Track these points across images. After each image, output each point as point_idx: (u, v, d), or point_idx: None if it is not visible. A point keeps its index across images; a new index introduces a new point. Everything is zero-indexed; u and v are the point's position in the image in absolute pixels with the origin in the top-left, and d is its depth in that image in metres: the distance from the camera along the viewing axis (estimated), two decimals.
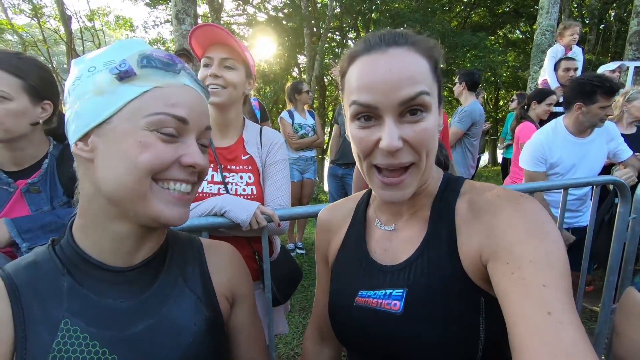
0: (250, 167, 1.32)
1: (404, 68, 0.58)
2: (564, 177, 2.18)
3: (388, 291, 0.66)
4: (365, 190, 0.87)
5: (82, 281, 0.58)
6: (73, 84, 0.56)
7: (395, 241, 0.72)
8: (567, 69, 3.65)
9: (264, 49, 11.99)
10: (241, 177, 1.30)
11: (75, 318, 0.56)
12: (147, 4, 13.10)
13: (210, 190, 1.29)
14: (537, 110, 3.20)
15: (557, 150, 2.16)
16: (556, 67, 3.79)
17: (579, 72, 3.80)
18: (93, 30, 13.73)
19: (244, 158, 1.32)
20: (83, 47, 13.68)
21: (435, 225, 0.67)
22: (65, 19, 12.01)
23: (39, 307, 0.55)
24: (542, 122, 3.81)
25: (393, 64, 0.58)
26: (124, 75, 0.53)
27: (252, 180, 1.31)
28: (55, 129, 1.19)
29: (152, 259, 0.64)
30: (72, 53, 11.34)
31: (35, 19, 12.58)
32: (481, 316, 0.60)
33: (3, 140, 1.04)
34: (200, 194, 1.27)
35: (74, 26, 12.79)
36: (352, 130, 0.64)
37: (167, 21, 13.61)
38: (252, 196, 1.30)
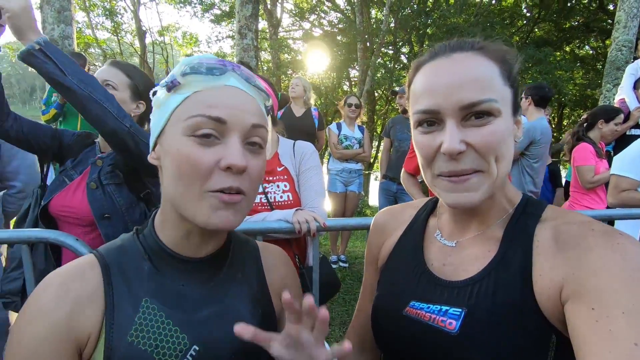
0: (285, 177, 1.51)
1: (469, 71, 0.57)
2: None
3: (444, 308, 0.63)
4: (430, 198, 0.84)
5: (160, 266, 0.64)
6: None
7: (457, 257, 0.68)
8: None
9: (317, 62, 12.28)
10: (278, 186, 1.50)
11: (153, 298, 0.62)
12: (211, 20, 14.07)
13: None
14: (604, 129, 2.87)
15: None
16: (636, 85, 3.45)
17: None
18: (163, 45, 15.00)
19: (279, 169, 1.52)
20: (154, 60, 14.98)
21: (508, 247, 0.62)
22: (141, 34, 13.28)
23: (125, 285, 0.61)
24: (617, 144, 3.47)
25: (456, 67, 0.58)
26: (171, 86, 0.58)
27: (287, 188, 1.50)
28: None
29: (216, 253, 0.69)
30: (144, 65, 12.47)
31: (115, 34, 14.05)
32: (549, 356, 0.54)
33: None
34: None
35: (147, 40, 14.09)
36: (415, 137, 0.63)
37: (228, 36, 14.49)
38: (290, 202, 1.49)
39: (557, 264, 0.55)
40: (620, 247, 0.51)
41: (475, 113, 0.57)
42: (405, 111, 3.88)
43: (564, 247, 0.56)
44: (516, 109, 0.62)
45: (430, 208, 0.80)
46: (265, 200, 1.45)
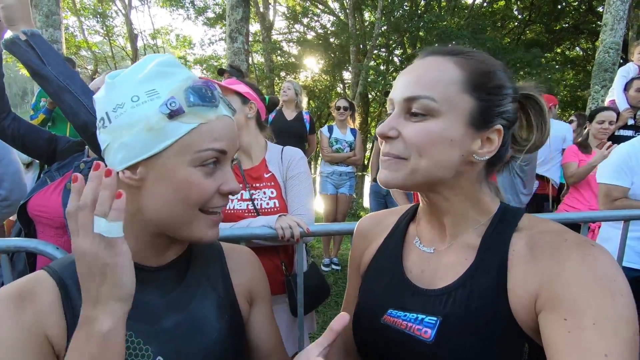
0: (272, 183, 1.48)
1: (424, 71, 0.61)
2: None
3: (420, 316, 0.63)
4: (412, 205, 0.84)
5: None
6: (115, 110, 0.57)
7: (435, 264, 0.68)
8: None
9: (311, 65, 12.33)
10: (264, 193, 1.47)
11: None
12: (205, 23, 14.04)
13: (240, 206, 1.44)
14: (592, 130, 3.01)
15: None
16: (627, 87, 3.50)
17: None
18: (155, 48, 14.94)
19: (266, 176, 1.49)
20: None
21: (484, 256, 0.63)
22: (132, 37, 13.23)
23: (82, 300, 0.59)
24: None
25: (419, 68, 0.62)
26: (174, 114, 0.55)
27: (274, 195, 1.47)
28: None
29: (178, 259, 0.69)
30: None
31: (106, 37, 13.97)
32: None
33: None
34: (231, 211, 1.41)
35: (139, 44, 14.03)
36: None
37: (222, 39, 14.48)
38: (276, 209, 1.44)
39: (531, 273, 0.56)
40: (592, 258, 0.52)
41: (411, 109, 0.60)
42: None
43: (538, 257, 0.57)
44: (484, 123, 0.61)
45: (411, 214, 0.80)
46: (252, 207, 1.43)
